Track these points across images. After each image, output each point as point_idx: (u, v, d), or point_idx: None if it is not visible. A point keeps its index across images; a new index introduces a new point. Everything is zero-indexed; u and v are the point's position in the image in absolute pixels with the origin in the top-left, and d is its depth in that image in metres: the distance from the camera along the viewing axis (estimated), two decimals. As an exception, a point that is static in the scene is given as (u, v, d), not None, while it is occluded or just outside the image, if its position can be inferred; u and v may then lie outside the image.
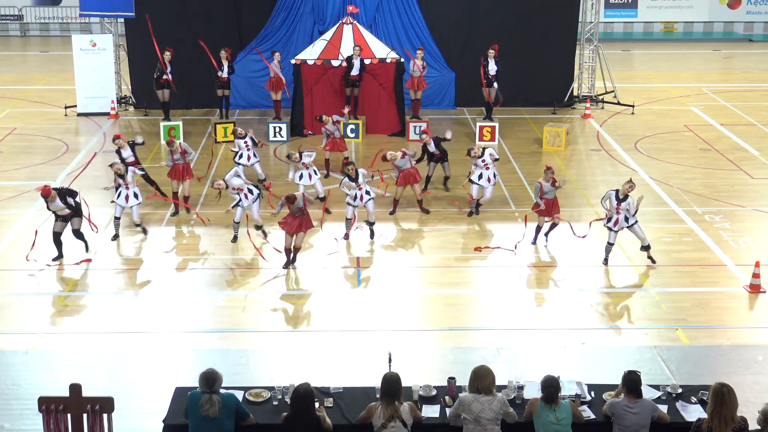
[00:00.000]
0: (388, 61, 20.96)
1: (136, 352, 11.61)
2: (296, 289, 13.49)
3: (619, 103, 23.60)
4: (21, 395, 10.51)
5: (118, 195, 14.94)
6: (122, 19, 23.07)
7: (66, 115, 22.69)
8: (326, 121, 17.86)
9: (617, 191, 13.88)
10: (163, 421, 8.68)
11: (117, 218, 15.13)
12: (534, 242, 14.97)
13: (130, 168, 15.05)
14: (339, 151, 17.99)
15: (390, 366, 9.01)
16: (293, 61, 21.02)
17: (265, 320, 12.62)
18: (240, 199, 14.70)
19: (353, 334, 12.12)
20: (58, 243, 14.19)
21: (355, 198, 14.97)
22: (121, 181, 14.87)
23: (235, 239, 14.99)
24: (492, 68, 20.79)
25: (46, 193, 13.80)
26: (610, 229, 13.99)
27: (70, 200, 14.06)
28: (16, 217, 16.02)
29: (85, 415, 8.25)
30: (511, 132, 21.44)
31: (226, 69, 20.64)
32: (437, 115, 22.52)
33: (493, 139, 20.54)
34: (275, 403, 8.86)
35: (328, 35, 21.37)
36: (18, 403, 10.37)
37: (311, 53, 21.07)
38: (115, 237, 15.14)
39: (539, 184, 14.69)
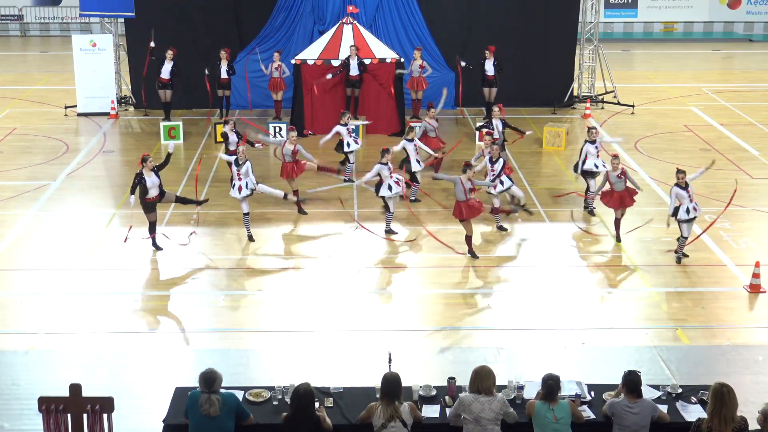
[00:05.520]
0: (388, 61, 20.96)
1: (136, 352, 11.61)
2: (296, 289, 13.48)
3: (619, 103, 23.59)
4: (21, 395, 10.51)
5: (233, 186, 14.95)
6: (122, 19, 23.06)
7: (66, 115, 22.68)
8: (428, 113, 17.82)
9: (678, 185, 13.82)
10: (163, 421, 8.68)
11: (246, 214, 15.03)
12: (618, 239, 14.88)
13: (248, 162, 14.87)
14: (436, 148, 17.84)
15: (390, 366, 9.01)
16: (293, 61, 21.02)
17: (265, 320, 12.62)
18: (391, 187, 14.84)
19: (353, 334, 12.12)
20: (152, 230, 14.49)
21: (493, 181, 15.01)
22: (235, 169, 14.81)
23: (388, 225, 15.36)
24: (489, 69, 20.79)
25: (146, 156, 14.07)
26: (686, 221, 13.93)
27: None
28: (16, 217, 16.02)
29: (85, 415, 8.25)
30: (512, 132, 21.37)
31: (224, 69, 20.65)
32: (437, 115, 22.43)
33: (493, 139, 20.48)
34: (275, 403, 8.86)
35: (326, 37, 21.36)
36: (18, 403, 10.37)
37: (311, 53, 21.07)
38: (251, 238, 15.04)
39: (607, 174, 14.64)
